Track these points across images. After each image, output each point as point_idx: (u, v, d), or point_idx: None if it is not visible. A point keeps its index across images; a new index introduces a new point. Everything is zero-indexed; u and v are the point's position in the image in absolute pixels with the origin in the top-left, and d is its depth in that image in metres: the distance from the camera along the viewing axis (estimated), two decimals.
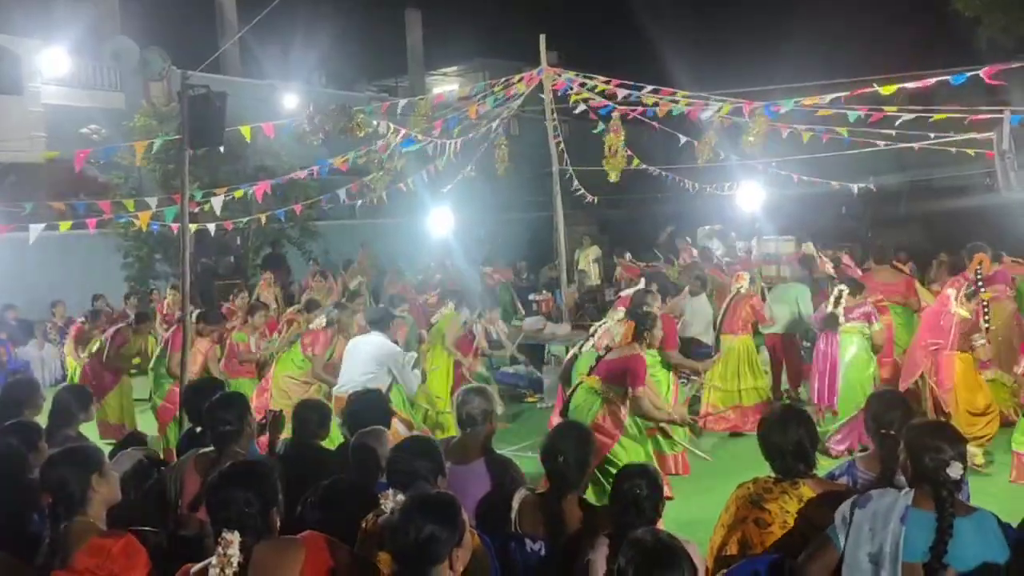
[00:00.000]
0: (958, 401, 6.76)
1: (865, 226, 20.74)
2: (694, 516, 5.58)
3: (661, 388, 7.03)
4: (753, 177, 12.81)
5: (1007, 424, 7.34)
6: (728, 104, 8.07)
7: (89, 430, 6.58)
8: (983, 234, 9.52)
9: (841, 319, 7.47)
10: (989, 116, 6.49)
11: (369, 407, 4.34)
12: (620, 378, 5.68)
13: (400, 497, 2.92)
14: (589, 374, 5.91)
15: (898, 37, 22.41)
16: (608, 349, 6.06)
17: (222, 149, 7.40)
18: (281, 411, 4.84)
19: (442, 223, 12.68)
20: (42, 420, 4.69)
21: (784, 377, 9.61)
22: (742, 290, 8.93)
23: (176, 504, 3.89)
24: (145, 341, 9.63)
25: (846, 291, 7.60)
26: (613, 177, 8.72)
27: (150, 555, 3.08)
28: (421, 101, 9.03)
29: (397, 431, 6.45)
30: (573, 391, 5.95)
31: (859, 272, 9.62)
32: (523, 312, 13.17)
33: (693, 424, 6.82)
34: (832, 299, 7.63)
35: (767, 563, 3.12)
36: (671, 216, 19.31)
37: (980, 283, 7.62)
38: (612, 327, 6.56)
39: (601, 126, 9.16)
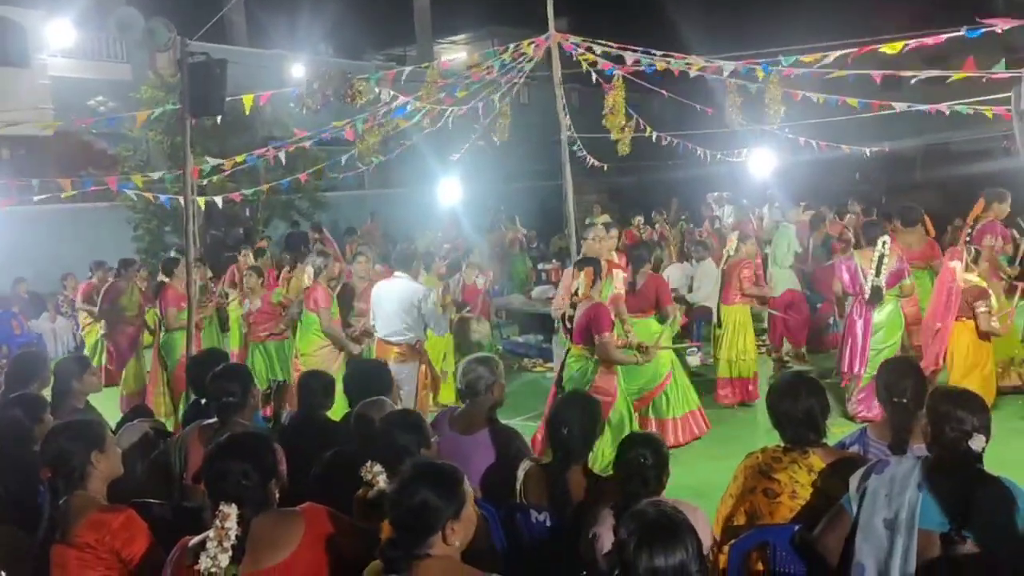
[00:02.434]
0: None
1: (880, 192, 20.50)
2: (702, 485, 5.55)
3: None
4: (765, 143, 12.63)
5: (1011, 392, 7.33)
6: (728, 65, 7.89)
7: (111, 406, 6.63)
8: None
9: (885, 291, 7.12)
10: (1007, 76, 6.31)
11: (369, 376, 4.30)
12: (584, 330, 5.83)
13: (377, 468, 2.89)
14: (571, 340, 5.98)
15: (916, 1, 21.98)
16: (573, 307, 5.98)
17: (220, 119, 7.31)
18: (286, 380, 4.81)
19: (451, 192, 12.61)
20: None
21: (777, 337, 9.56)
22: (731, 253, 8.42)
23: (180, 476, 3.88)
24: (136, 293, 9.57)
25: (888, 241, 7.15)
26: (616, 135, 8.56)
27: (154, 527, 3.07)
28: (428, 68, 8.88)
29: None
30: (564, 360, 6.10)
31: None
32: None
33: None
34: (875, 259, 7.14)
35: (777, 533, 3.09)
36: (682, 183, 19.13)
37: (971, 234, 7.47)
38: (572, 283, 6.30)
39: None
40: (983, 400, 2.88)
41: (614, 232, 7.73)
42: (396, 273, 6.91)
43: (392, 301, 6.70)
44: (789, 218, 10.31)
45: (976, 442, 2.70)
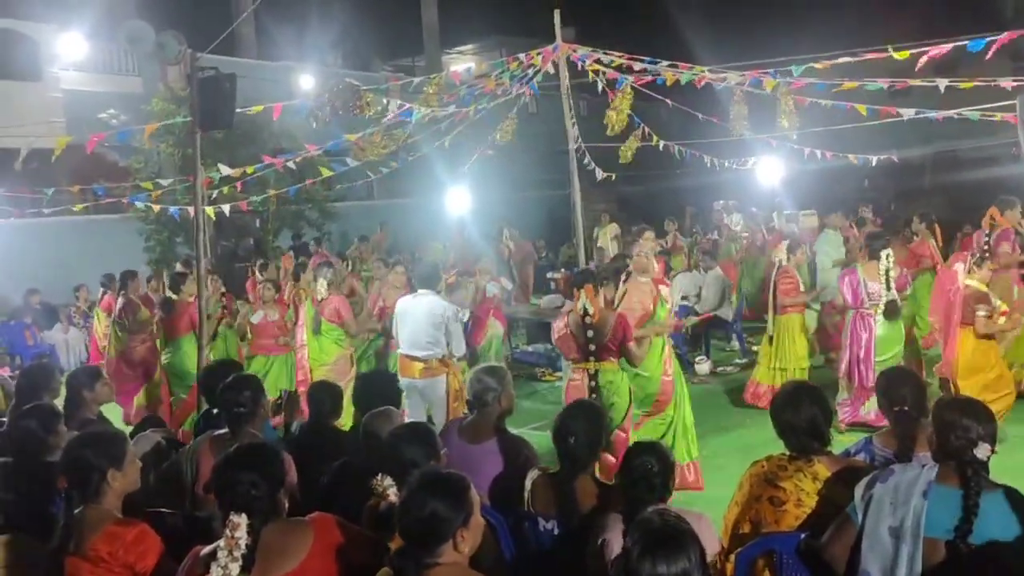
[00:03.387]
0: (958, 386, 6.56)
1: (888, 198, 20.47)
2: (708, 493, 5.57)
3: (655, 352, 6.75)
4: (773, 151, 12.64)
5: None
6: (733, 75, 7.92)
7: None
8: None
9: (899, 301, 7.11)
10: (1015, 84, 6.33)
11: (377, 388, 4.33)
12: (619, 343, 5.68)
13: (388, 481, 2.93)
14: (595, 359, 5.67)
15: (924, 8, 21.98)
16: (590, 328, 5.66)
17: (236, 131, 7.38)
18: (296, 391, 4.86)
19: (460, 202, 12.66)
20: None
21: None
22: (783, 262, 8.25)
23: (192, 486, 3.92)
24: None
25: (891, 254, 7.17)
26: (613, 131, 8.58)
27: (167, 536, 3.10)
28: (435, 78, 8.93)
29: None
30: (595, 375, 5.73)
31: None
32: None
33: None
34: (883, 273, 7.14)
35: (783, 540, 3.11)
36: (690, 192, 19.16)
37: (988, 242, 7.51)
38: (576, 304, 5.86)
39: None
40: (989, 409, 2.88)
41: (650, 234, 7.45)
42: (420, 290, 6.86)
43: (419, 317, 6.64)
44: (831, 223, 10.31)
45: (981, 450, 2.71)
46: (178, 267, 12.05)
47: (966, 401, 2.98)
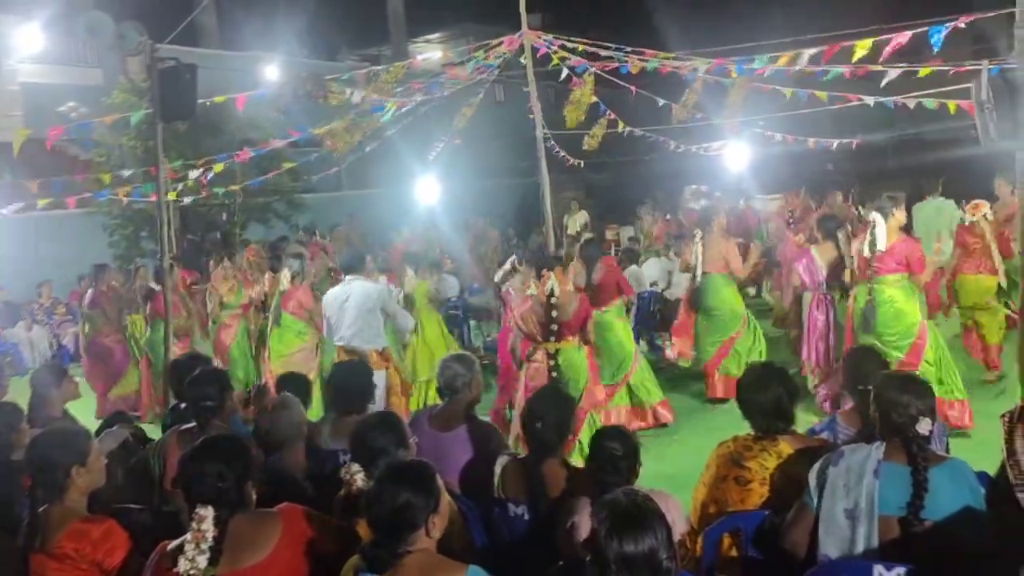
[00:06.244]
0: None
1: (852, 182, 20.69)
2: (676, 472, 5.62)
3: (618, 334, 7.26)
4: (737, 136, 12.71)
5: None
6: (699, 61, 7.97)
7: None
8: (972, 187, 9.52)
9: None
10: (971, 69, 6.40)
11: (351, 380, 4.31)
12: (583, 322, 6.03)
13: (356, 467, 2.93)
14: (556, 339, 5.91)
15: None
16: (555, 308, 5.89)
17: (201, 122, 7.29)
18: (265, 383, 4.83)
19: (429, 191, 12.61)
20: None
21: None
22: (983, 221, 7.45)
23: (160, 480, 3.89)
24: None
25: (881, 220, 6.37)
26: (571, 124, 8.62)
27: (135, 532, 3.07)
28: (395, 66, 8.88)
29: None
30: (555, 354, 5.95)
31: None
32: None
33: None
34: (867, 234, 6.39)
35: (749, 519, 3.15)
36: (658, 178, 19.23)
37: None
38: (544, 286, 6.04)
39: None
40: (926, 383, 2.94)
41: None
42: (347, 276, 6.65)
43: (351, 306, 6.46)
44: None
45: (923, 425, 2.75)
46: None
47: (903, 377, 3.01)
